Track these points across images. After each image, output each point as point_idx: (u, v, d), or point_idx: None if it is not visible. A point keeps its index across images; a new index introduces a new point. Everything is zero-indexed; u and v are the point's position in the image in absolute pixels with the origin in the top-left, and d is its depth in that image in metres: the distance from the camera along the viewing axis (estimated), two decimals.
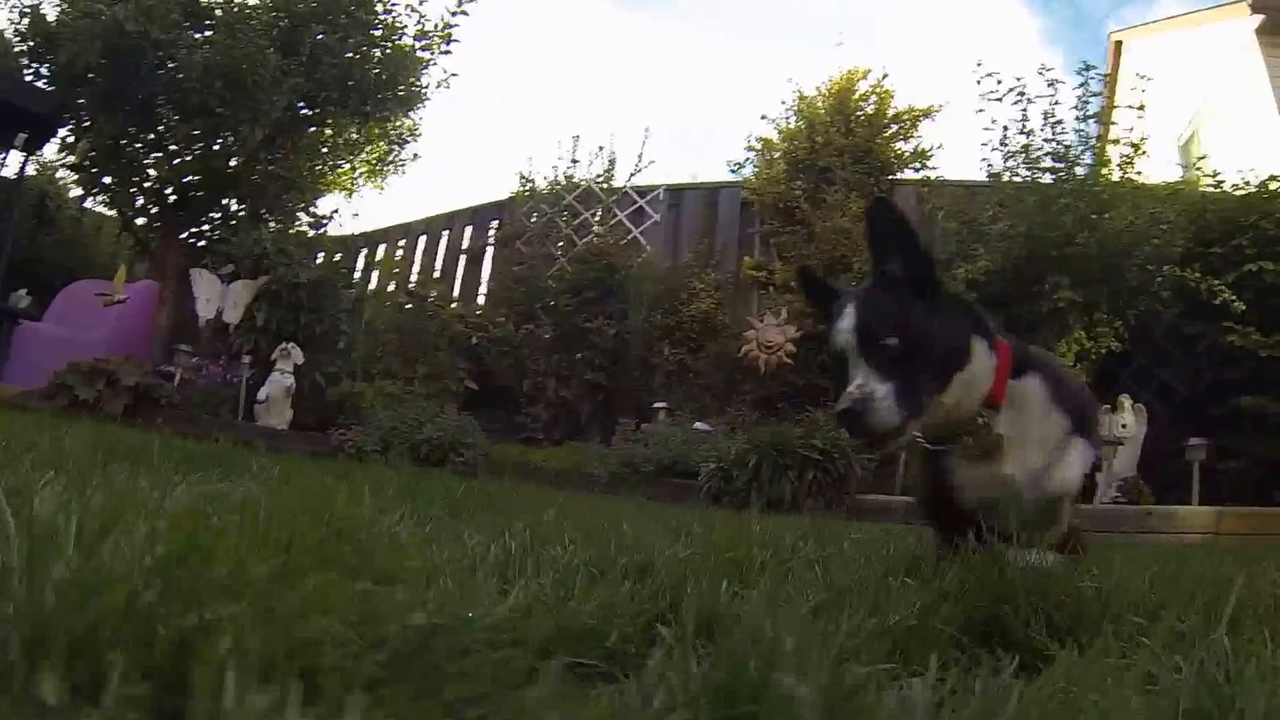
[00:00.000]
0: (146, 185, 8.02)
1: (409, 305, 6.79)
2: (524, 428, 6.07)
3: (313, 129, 7.93)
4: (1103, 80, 6.91)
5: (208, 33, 7.38)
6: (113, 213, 8.54)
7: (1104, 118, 6.87)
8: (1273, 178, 5.96)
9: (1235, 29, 9.59)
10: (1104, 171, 5.97)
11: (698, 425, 5.68)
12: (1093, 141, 6.27)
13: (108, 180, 8.10)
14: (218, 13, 7.67)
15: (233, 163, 7.56)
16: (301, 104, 7.55)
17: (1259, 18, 9.19)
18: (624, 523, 2.16)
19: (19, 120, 7.32)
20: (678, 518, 3.08)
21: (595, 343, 6.38)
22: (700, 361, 6.53)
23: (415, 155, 8.79)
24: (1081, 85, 6.24)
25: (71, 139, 8.11)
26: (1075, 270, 5.47)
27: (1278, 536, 4.13)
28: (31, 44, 7.88)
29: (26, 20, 7.83)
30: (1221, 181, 6.15)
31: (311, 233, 7.82)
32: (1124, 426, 5.54)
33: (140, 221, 8.26)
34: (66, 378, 5.75)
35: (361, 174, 8.78)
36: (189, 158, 7.66)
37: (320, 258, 7.34)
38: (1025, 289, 5.62)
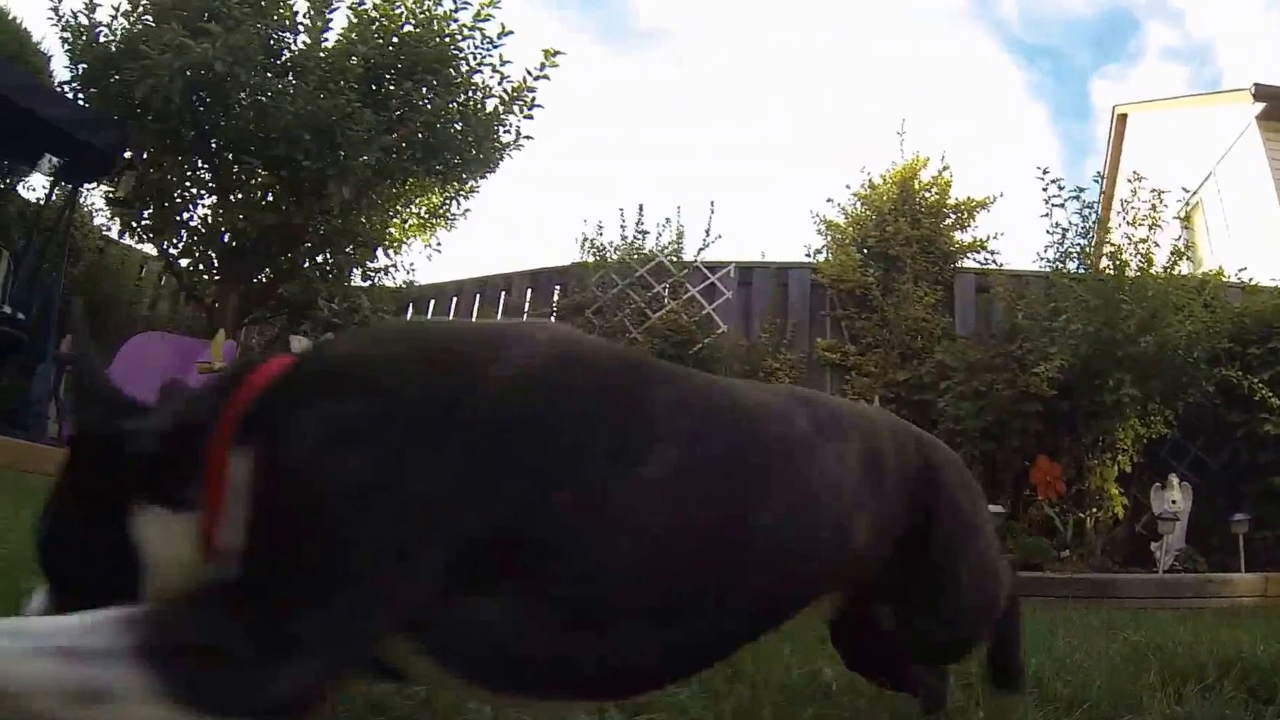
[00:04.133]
0: (193, 226, 8.59)
1: None
2: None
3: (393, 187, 8.63)
4: (1105, 152, 8.43)
5: (292, 79, 7.97)
6: (149, 249, 9.08)
7: (1105, 190, 8.33)
8: None
9: (1237, 113, 11.27)
10: (1150, 270, 7.35)
11: None
12: (1137, 243, 7.59)
13: (147, 216, 8.60)
14: (285, 54, 8.35)
15: (315, 217, 8.18)
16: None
17: (1260, 105, 10.88)
18: None
19: (78, 152, 7.72)
20: None
21: None
22: None
23: (466, 211, 9.51)
24: (1132, 193, 7.64)
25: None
26: (1135, 368, 6.75)
27: None
28: (83, 68, 8.26)
29: (80, 41, 8.21)
30: (1256, 285, 7.66)
31: (369, 285, 8.56)
32: (1174, 502, 6.87)
33: (184, 263, 8.81)
34: None
35: (411, 227, 9.46)
36: (263, 207, 8.22)
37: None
38: (1089, 382, 6.92)
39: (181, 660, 0.92)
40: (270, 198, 8.40)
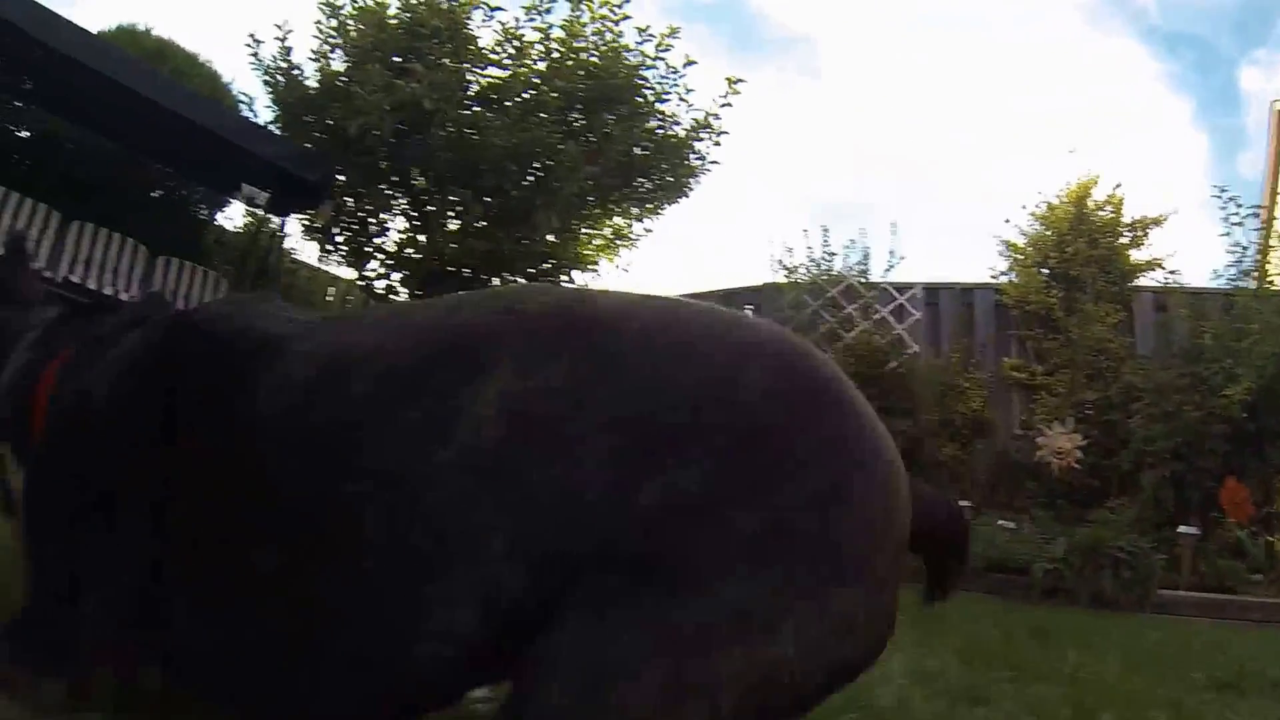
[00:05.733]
0: (387, 250, 9.54)
1: None
2: None
3: (594, 212, 9.47)
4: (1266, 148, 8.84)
5: (486, 113, 8.72)
6: (338, 270, 10.17)
7: (1270, 192, 8.74)
8: None
9: None
10: None
11: (1000, 522, 7.57)
12: None
13: (342, 242, 9.57)
14: (475, 87, 9.14)
15: (521, 243, 9.04)
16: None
17: None
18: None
19: (290, 186, 8.60)
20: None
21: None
22: (970, 459, 8.40)
23: (648, 231, 10.23)
24: None
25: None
26: None
27: None
28: (284, 106, 9.23)
29: (280, 83, 9.17)
30: None
31: None
32: None
33: (380, 286, 9.82)
34: None
35: (598, 247, 10.22)
36: (472, 234, 9.07)
37: None
38: (1276, 403, 7.47)
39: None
40: (472, 224, 9.23)
